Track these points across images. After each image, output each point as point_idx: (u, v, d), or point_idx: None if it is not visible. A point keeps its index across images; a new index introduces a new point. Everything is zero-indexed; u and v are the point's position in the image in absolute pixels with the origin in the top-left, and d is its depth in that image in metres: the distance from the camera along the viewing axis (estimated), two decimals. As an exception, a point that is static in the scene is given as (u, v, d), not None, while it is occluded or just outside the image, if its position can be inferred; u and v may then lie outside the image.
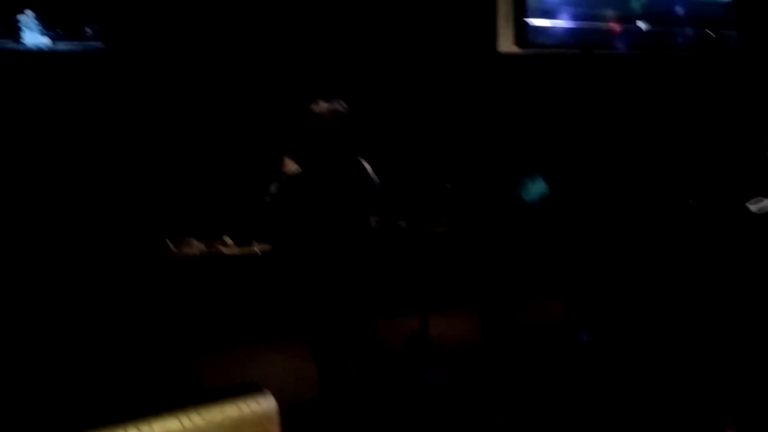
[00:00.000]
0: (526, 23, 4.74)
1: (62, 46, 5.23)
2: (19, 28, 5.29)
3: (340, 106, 3.56)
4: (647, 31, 5.29)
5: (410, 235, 5.39)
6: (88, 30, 5.24)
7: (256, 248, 5.16)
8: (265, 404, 2.15)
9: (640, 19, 5.28)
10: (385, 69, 5.32)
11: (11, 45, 5.17)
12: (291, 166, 3.53)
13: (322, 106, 3.53)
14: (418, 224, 5.35)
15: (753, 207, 5.62)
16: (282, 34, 5.27)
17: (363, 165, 3.64)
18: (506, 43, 4.81)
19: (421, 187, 5.53)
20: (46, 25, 5.29)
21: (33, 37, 5.34)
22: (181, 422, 2.02)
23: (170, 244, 5.03)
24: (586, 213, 5.29)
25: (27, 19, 5.39)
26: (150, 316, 4.74)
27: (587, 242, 5.22)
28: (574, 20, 5.06)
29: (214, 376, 4.47)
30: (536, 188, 5.39)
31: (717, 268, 5.18)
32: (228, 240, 5.21)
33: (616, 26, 5.14)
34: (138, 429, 1.95)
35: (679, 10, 5.49)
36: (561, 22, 5.01)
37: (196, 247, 5.06)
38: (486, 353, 4.62)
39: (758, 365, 4.23)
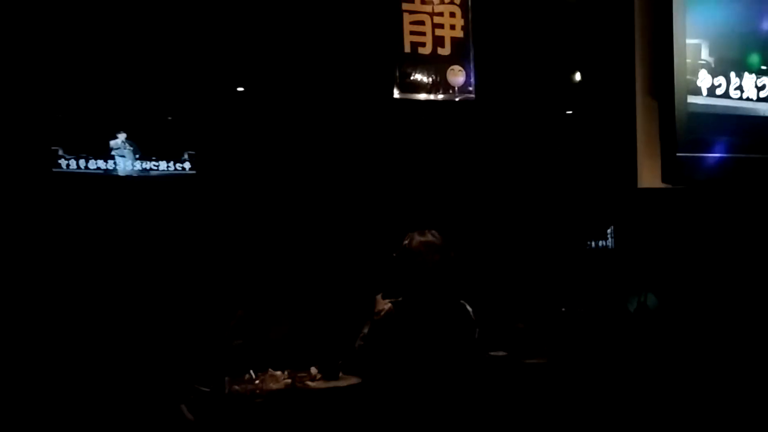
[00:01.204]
0: (679, 158, 4.53)
1: (155, 170, 5.25)
2: (112, 155, 5.36)
3: (434, 237, 3.31)
4: None
5: (507, 365, 5.06)
6: (185, 155, 5.26)
7: (344, 382, 4.84)
8: None
9: None
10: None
11: (104, 168, 5.23)
12: (383, 305, 3.28)
13: (416, 238, 3.29)
14: (517, 353, 5.02)
15: None
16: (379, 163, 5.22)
17: (464, 307, 3.34)
18: (649, 179, 4.51)
19: (523, 315, 5.21)
20: (139, 150, 5.34)
21: (125, 162, 5.38)
22: None
23: (253, 376, 4.77)
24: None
25: (120, 144, 5.45)
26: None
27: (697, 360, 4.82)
28: (727, 153, 4.85)
29: None
30: (649, 303, 5.05)
31: None
32: (314, 371, 4.91)
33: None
34: None
35: None
36: (714, 155, 4.82)
37: (281, 379, 4.78)
38: None
39: None
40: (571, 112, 6.04)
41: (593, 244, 5.50)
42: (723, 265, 5.09)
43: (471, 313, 3.35)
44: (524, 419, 4.57)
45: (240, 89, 5.70)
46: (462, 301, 3.36)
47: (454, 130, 5.60)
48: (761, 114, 5.14)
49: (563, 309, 5.26)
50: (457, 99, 4.73)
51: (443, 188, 5.68)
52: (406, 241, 3.29)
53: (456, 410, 3.30)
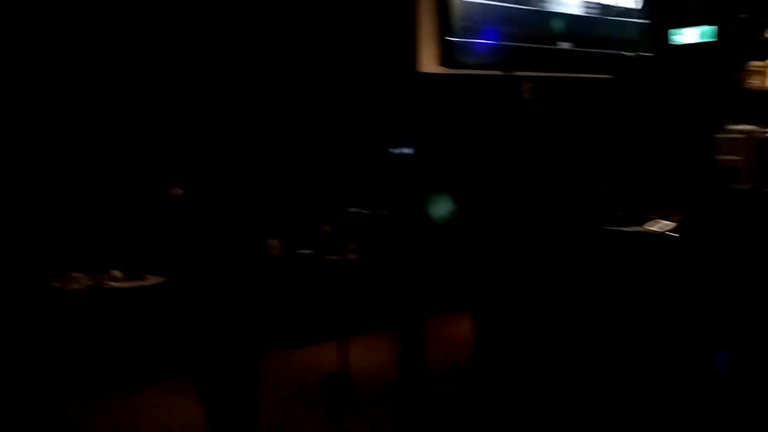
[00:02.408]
0: (451, 42, 4.65)
1: None
2: None
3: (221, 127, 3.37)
4: (567, 52, 5.33)
5: (315, 262, 5.21)
6: None
7: (148, 281, 4.76)
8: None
9: (561, 40, 5.31)
10: (295, 87, 5.08)
11: None
12: (174, 191, 3.31)
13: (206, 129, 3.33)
14: (324, 250, 5.17)
15: (653, 227, 5.78)
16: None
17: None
18: (429, 63, 4.68)
19: (326, 213, 5.32)
20: None
21: None
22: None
23: (53, 279, 4.55)
24: (495, 231, 5.27)
25: None
26: (27, 356, 4.27)
27: (497, 260, 5.21)
28: (498, 41, 4.97)
29: (96, 422, 4.18)
30: (445, 208, 5.32)
31: (621, 283, 5.27)
32: (117, 273, 4.78)
33: (537, 47, 5.14)
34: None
35: (598, 32, 5.57)
36: (485, 42, 4.92)
37: (82, 281, 4.60)
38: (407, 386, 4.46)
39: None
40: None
41: (396, 149, 5.67)
42: (501, 154, 5.38)
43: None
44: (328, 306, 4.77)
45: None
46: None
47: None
48: (530, 6, 5.34)
49: (365, 211, 5.42)
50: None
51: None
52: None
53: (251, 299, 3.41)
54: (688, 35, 7.00)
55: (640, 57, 5.93)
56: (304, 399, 4.38)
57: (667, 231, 5.69)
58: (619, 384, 4.37)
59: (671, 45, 7.06)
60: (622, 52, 5.74)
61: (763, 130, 6.48)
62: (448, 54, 4.64)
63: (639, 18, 6.03)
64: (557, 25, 5.29)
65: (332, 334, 4.66)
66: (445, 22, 4.60)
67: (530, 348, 4.93)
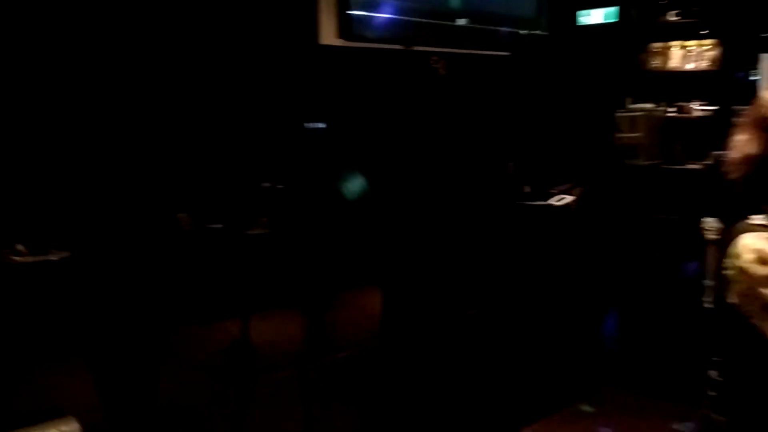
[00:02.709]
0: (351, 15, 4.73)
1: None
2: None
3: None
4: (465, 29, 5.48)
5: (226, 237, 5.23)
6: None
7: (53, 255, 4.70)
8: (67, 429, 1.94)
9: (459, 17, 5.46)
10: (202, 59, 5.04)
11: None
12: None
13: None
14: (235, 225, 5.19)
15: (556, 201, 6.02)
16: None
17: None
18: (329, 36, 4.77)
19: (237, 187, 5.34)
20: None
21: None
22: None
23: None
24: (403, 206, 5.39)
25: None
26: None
27: (405, 235, 5.33)
28: (397, 14, 5.13)
29: (10, 400, 3.93)
30: (355, 184, 5.41)
31: (525, 257, 5.48)
32: (21, 248, 4.70)
33: (436, 23, 5.28)
34: None
35: (494, 9, 5.74)
36: (384, 16, 5.07)
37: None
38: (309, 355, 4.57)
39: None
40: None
41: (308, 123, 5.71)
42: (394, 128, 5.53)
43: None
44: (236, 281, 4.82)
45: None
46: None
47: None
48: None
49: (278, 186, 5.45)
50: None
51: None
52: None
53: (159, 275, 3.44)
54: (594, 16, 7.26)
55: (536, 36, 6.13)
56: (208, 367, 4.44)
57: (568, 204, 5.93)
58: (518, 347, 4.58)
59: (579, 25, 7.31)
60: (519, 30, 5.93)
61: (662, 108, 6.79)
62: (346, 27, 4.74)
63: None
64: (455, 2, 5.43)
65: (240, 308, 4.70)
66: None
67: (436, 318, 5.10)
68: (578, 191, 6.05)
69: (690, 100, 6.79)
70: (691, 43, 7.22)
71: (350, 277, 5.40)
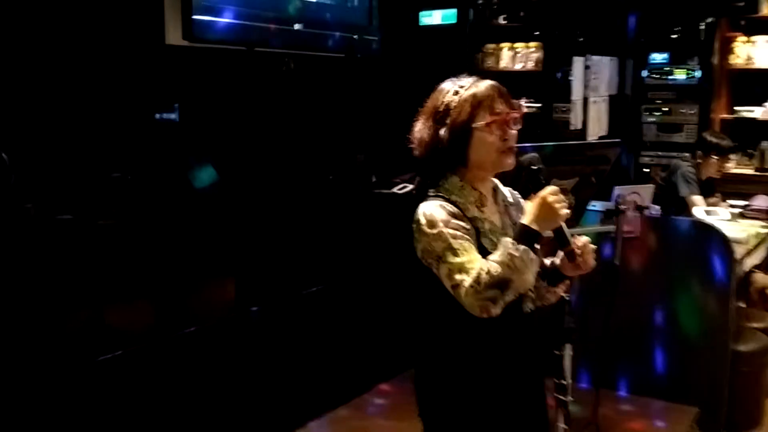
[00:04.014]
0: (194, 20, 5.09)
1: None
2: None
3: None
4: (301, 33, 5.88)
5: (75, 228, 5.24)
6: None
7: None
8: None
9: (296, 21, 5.88)
10: (58, 56, 5.09)
11: None
12: None
13: None
14: (84, 216, 5.23)
15: (398, 189, 6.48)
16: None
17: None
18: (175, 37, 5.07)
19: (87, 178, 5.38)
20: None
21: None
22: None
23: None
24: (252, 197, 5.64)
25: None
26: None
27: (255, 225, 5.58)
28: (238, 19, 5.45)
29: None
30: (206, 175, 5.63)
31: (369, 239, 5.89)
32: None
33: (275, 26, 5.67)
34: None
35: (328, 15, 6.18)
36: (226, 20, 5.39)
37: None
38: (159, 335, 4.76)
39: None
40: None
41: (159, 116, 5.85)
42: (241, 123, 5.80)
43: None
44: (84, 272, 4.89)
45: None
46: None
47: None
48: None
49: (128, 177, 5.54)
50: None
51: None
52: None
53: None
54: (434, 17, 7.77)
55: (368, 40, 6.59)
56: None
57: (408, 192, 6.40)
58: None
59: (420, 26, 7.80)
60: (352, 35, 6.40)
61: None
62: (189, 30, 5.06)
63: (370, 3, 6.73)
64: (291, 8, 5.86)
65: (89, 299, 4.74)
66: (186, 1, 5.03)
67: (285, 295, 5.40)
68: (418, 181, 6.49)
69: (519, 98, 7.42)
70: (519, 45, 7.89)
71: (203, 266, 5.57)
